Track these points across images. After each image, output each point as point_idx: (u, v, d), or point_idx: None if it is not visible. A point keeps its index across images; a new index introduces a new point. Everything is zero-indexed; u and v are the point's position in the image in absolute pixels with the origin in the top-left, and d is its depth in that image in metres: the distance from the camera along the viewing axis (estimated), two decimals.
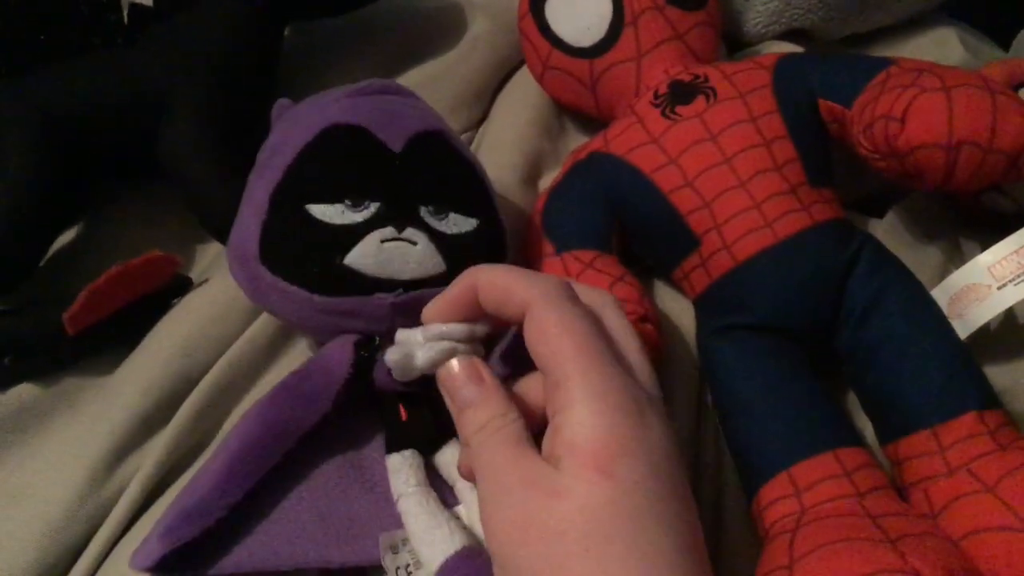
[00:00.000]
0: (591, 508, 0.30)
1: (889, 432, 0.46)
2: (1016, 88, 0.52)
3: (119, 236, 0.57)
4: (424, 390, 0.40)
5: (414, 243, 0.43)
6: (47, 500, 0.45)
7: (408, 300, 0.43)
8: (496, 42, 0.69)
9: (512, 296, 0.35)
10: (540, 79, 0.63)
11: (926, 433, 0.43)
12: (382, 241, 0.43)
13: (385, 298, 0.42)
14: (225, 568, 0.38)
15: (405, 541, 0.39)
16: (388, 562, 0.39)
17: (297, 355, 0.50)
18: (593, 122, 0.62)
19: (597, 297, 0.37)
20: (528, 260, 0.52)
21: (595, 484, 0.30)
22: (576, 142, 0.63)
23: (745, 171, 0.49)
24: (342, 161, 0.45)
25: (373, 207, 0.43)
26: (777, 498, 0.42)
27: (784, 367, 0.47)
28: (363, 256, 0.42)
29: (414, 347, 0.38)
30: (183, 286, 0.53)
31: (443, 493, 0.41)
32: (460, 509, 0.41)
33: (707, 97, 0.52)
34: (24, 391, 0.50)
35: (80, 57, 0.55)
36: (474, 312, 0.37)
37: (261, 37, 0.59)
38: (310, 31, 0.68)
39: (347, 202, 0.43)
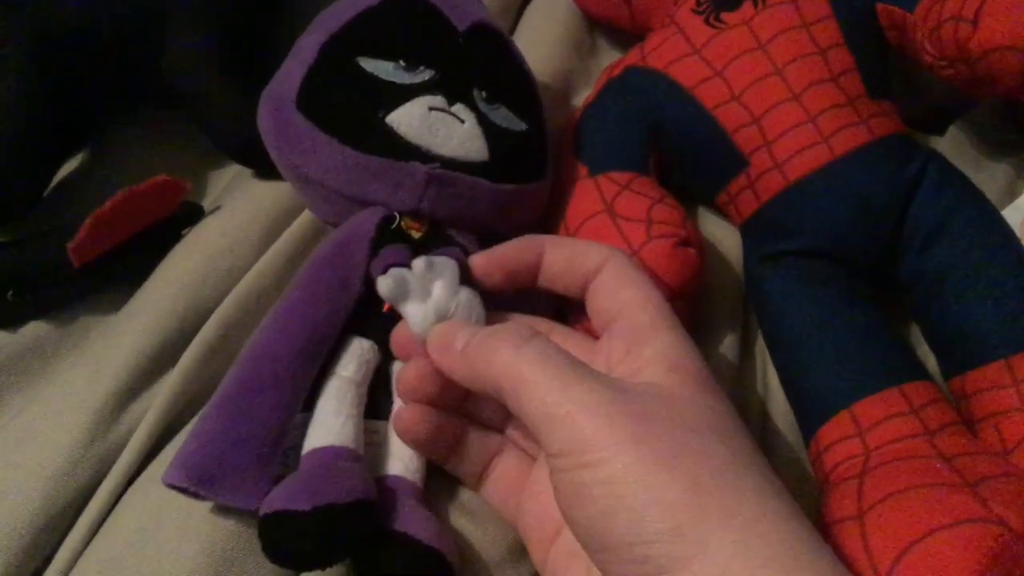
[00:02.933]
0: (709, 410, 0.31)
1: (956, 365, 0.43)
2: None
3: (126, 164, 0.54)
4: None
5: (461, 120, 0.42)
6: (52, 445, 0.42)
7: (444, 176, 0.41)
8: None
9: (588, 256, 0.36)
10: None
11: (998, 364, 0.40)
12: (429, 108, 0.41)
13: (419, 167, 0.41)
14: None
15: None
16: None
17: None
18: (627, 38, 0.59)
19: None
20: (559, 183, 0.49)
21: (703, 395, 0.31)
22: (609, 59, 0.59)
23: (798, 82, 0.45)
24: (403, 24, 0.44)
25: (427, 73, 0.42)
26: (838, 439, 0.39)
27: (841, 296, 0.43)
28: (407, 117, 0.41)
29: (415, 293, 0.37)
30: (194, 215, 0.50)
31: (380, 403, 0.40)
32: (383, 424, 0.39)
33: (755, 2, 0.48)
34: (28, 330, 0.47)
35: None
36: (521, 276, 0.38)
37: None
38: None
39: (401, 62, 0.42)
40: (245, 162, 0.52)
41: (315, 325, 0.38)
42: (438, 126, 0.41)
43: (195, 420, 0.37)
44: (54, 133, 0.50)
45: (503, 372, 0.32)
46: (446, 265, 0.37)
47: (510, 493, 0.38)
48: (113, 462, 0.42)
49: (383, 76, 0.42)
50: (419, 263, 0.37)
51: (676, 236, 0.43)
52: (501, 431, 0.40)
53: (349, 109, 0.41)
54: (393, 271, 0.37)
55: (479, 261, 0.38)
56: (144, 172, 0.49)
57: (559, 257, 0.37)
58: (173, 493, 0.37)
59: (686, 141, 0.49)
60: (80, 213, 0.45)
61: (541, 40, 0.61)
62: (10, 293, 0.46)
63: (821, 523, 0.36)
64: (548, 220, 0.48)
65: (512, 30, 0.64)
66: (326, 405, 0.38)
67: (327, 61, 0.42)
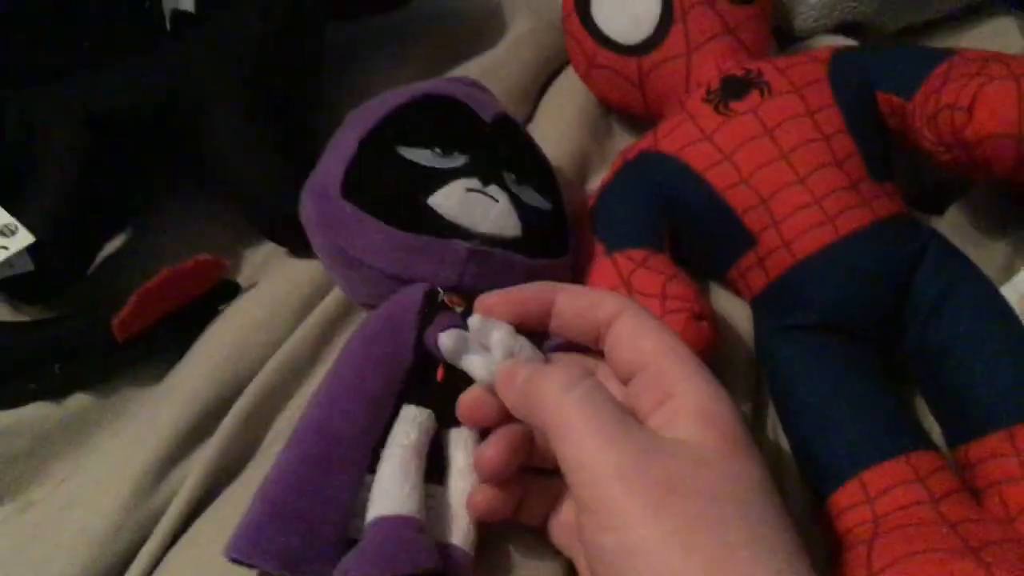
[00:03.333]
0: (741, 478, 0.31)
1: (960, 434, 0.44)
2: None
3: (166, 242, 0.56)
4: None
5: (495, 200, 0.44)
6: (94, 511, 0.44)
7: (483, 252, 0.43)
8: (540, 41, 0.68)
9: (603, 306, 0.37)
10: (586, 78, 0.61)
11: (1001, 434, 0.41)
12: (467, 190, 0.44)
13: (461, 244, 0.43)
14: None
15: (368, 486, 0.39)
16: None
17: None
18: (641, 123, 0.61)
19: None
20: (578, 261, 0.51)
21: (735, 457, 0.31)
22: (623, 143, 0.62)
23: (803, 167, 0.47)
24: (436, 116, 0.47)
25: (461, 159, 0.45)
26: (849, 505, 0.41)
27: (848, 367, 0.45)
28: (447, 198, 0.43)
29: (474, 349, 0.38)
30: (231, 291, 0.53)
31: (435, 468, 0.40)
32: (439, 489, 0.40)
33: (761, 92, 0.50)
34: (72, 401, 0.49)
35: (122, 59, 0.54)
36: (531, 320, 0.38)
37: (302, 35, 0.58)
38: (352, 32, 0.67)
39: (437, 150, 0.45)
40: (280, 240, 0.54)
41: (371, 399, 0.40)
42: (475, 205, 0.44)
43: (256, 495, 0.37)
44: (99, 210, 0.52)
45: (549, 412, 0.33)
46: (499, 323, 0.38)
47: (573, 533, 0.38)
48: (153, 528, 0.44)
49: (422, 162, 0.44)
50: (475, 318, 0.38)
51: (690, 311, 0.45)
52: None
53: (393, 193, 0.44)
54: (452, 329, 0.39)
55: (490, 300, 0.39)
56: (183, 249, 0.51)
57: (572, 305, 0.38)
58: (211, 558, 0.38)
59: (698, 221, 0.51)
60: (123, 289, 0.47)
61: (559, 124, 0.63)
62: (57, 366, 0.48)
63: None
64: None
65: (531, 116, 0.67)
66: (392, 473, 0.38)
67: (367, 152, 0.45)
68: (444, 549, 0.38)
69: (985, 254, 0.52)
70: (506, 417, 0.38)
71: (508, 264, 0.44)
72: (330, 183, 0.44)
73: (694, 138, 0.51)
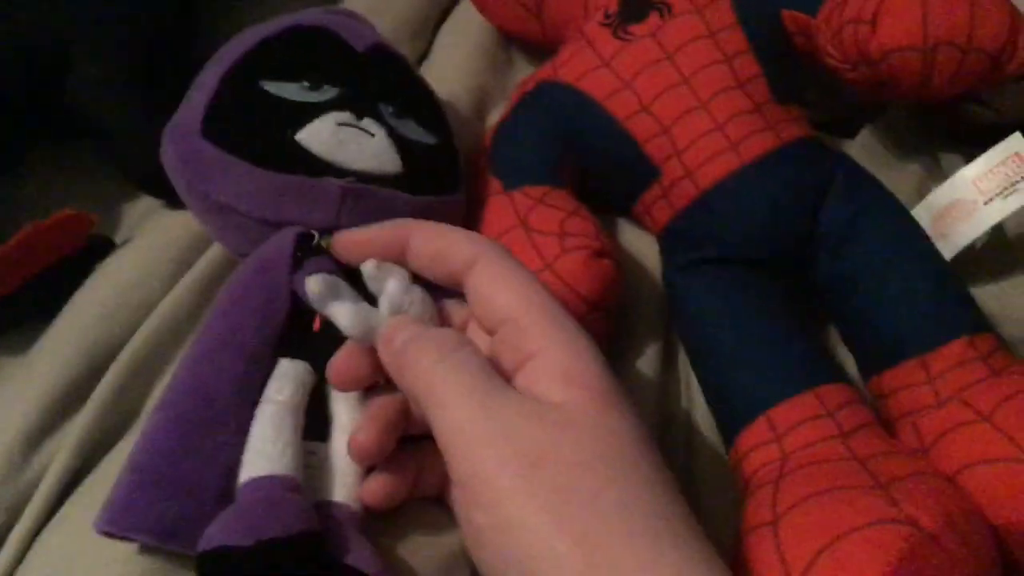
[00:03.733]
0: (610, 438, 0.29)
1: (873, 364, 0.43)
2: None
3: (33, 200, 0.53)
4: None
5: (371, 134, 0.42)
6: None
7: (359, 189, 0.41)
8: None
9: (455, 251, 0.35)
10: (482, 7, 0.59)
11: (913, 362, 0.41)
12: (338, 124, 0.41)
13: (334, 183, 0.40)
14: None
15: None
16: None
17: None
18: (541, 53, 0.58)
19: None
20: (474, 199, 0.48)
21: (603, 414, 0.30)
22: (524, 75, 0.59)
23: (705, 91, 0.45)
24: (303, 48, 0.44)
25: (332, 91, 0.43)
26: (756, 445, 0.39)
27: (757, 302, 0.43)
28: (317, 134, 0.41)
29: (346, 295, 0.36)
30: (105, 248, 0.49)
31: (317, 424, 0.38)
32: (322, 446, 0.37)
33: (661, 13, 0.48)
34: None
35: None
36: (392, 260, 0.36)
37: None
38: None
39: (304, 83, 0.42)
40: (153, 192, 0.51)
41: (247, 353, 0.37)
42: (349, 141, 0.41)
43: (125, 464, 0.35)
44: None
45: (420, 382, 0.31)
46: (396, 270, 0.37)
47: None
48: (25, 505, 0.41)
49: (288, 96, 0.42)
50: (369, 265, 0.36)
51: (590, 248, 0.43)
52: None
53: (257, 131, 0.41)
54: (318, 274, 0.36)
55: (343, 239, 0.38)
56: (53, 206, 0.48)
57: (426, 249, 0.36)
58: (86, 536, 0.36)
59: (599, 153, 0.49)
60: None
61: (456, 58, 0.61)
62: None
63: (740, 531, 0.36)
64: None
65: (426, 51, 0.64)
66: (263, 431, 0.36)
67: (230, 88, 0.42)
68: (326, 507, 0.36)
69: (898, 176, 0.51)
70: (381, 375, 0.36)
71: (388, 202, 0.41)
72: (190, 123, 0.41)
73: (593, 65, 0.49)
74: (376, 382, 0.37)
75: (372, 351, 0.36)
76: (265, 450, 0.35)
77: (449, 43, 0.63)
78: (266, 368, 0.38)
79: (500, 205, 0.47)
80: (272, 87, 0.42)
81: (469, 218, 0.47)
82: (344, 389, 0.37)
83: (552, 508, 0.27)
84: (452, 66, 0.60)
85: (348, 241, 0.38)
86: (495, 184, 0.48)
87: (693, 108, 0.45)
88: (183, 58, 0.54)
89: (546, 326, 0.32)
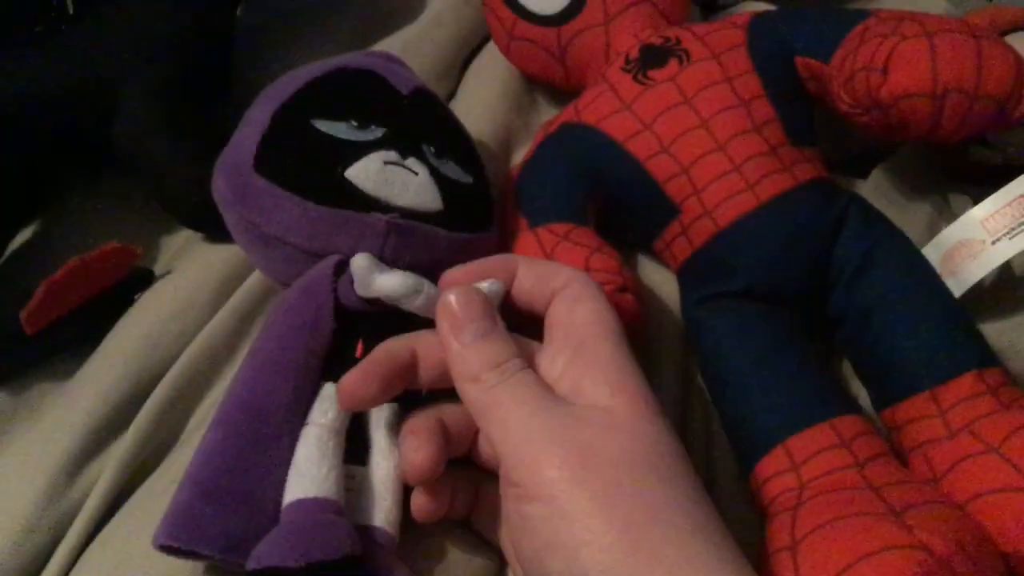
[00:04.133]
0: (651, 441, 0.32)
1: (886, 397, 0.44)
2: (1000, 35, 0.50)
3: (78, 232, 0.55)
4: (390, 333, 0.39)
5: (415, 172, 0.44)
6: (7, 510, 0.42)
7: (403, 225, 0.42)
8: (460, 16, 0.67)
9: (555, 276, 0.38)
10: (507, 52, 0.60)
11: (925, 395, 0.42)
12: (384, 163, 0.43)
13: (380, 218, 0.42)
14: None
15: None
16: None
17: None
18: (564, 95, 0.60)
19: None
20: (501, 237, 0.50)
21: (645, 420, 0.32)
22: (548, 116, 0.61)
23: (723, 133, 0.47)
24: (351, 89, 0.46)
25: (379, 131, 0.44)
26: (774, 474, 0.40)
27: (773, 335, 0.45)
28: (364, 171, 0.42)
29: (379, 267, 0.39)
30: (145, 279, 0.51)
31: (357, 448, 0.39)
32: (361, 469, 0.39)
33: (680, 60, 0.50)
34: None
35: (25, 46, 0.52)
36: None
37: (212, 13, 0.57)
38: (268, 11, 0.66)
39: (353, 122, 0.44)
40: (195, 226, 0.53)
41: (296, 372, 0.39)
42: (394, 178, 0.43)
43: (184, 480, 0.36)
44: (7, 203, 0.51)
45: (486, 397, 0.34)
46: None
47: (496, 517, 0.39)
48: (69, 525, 0.42)
49: (338, 135, 0.43)
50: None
51: (614, 283, 0.45)
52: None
53: (308, 166, 0.42)
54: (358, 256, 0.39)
55: (456, 274, 0.40)
56: (96, 238, 0.49)
57: (531, 274, 0.39)
58: (130, 552, 0.38)
59: (621, 192, 0.50)
60: (33, 281, 0.46)
61: (482, 99, 0.62)
62: None
63: (761, 555, 0.37)
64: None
65: (454, 92, 0.66)
66: (308, 454, 0.37)
67: (281, 125, 0.43)
68: (366, 531, 0.37)
69: (908, 215, 0.52)
70: (387, 394, 0.37)
71: (430, 238, 0.43)
72: (242, 158, 0.43)
73: (614, 108, 0.50)
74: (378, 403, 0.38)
75: (383, 374, 0.36)
76: (310, 472, 0.36)
77: (475, 84, 0.65)
78: (312, 389, 0.39)
79: (527, 241, 0.48)
80: (323, 125, 0.43)
81: (499, 253, 0.49)
82: (348, 407, 0.38)
83: (599, 498, 0.29)
84: (478, 107, 0.61)
85: (461, 275, 0.40)
86: (521, 221, 0.50)
87: (711, 150, 0.47)
88: (222, 98, 0.56)
89: (604, 335, 0.35)
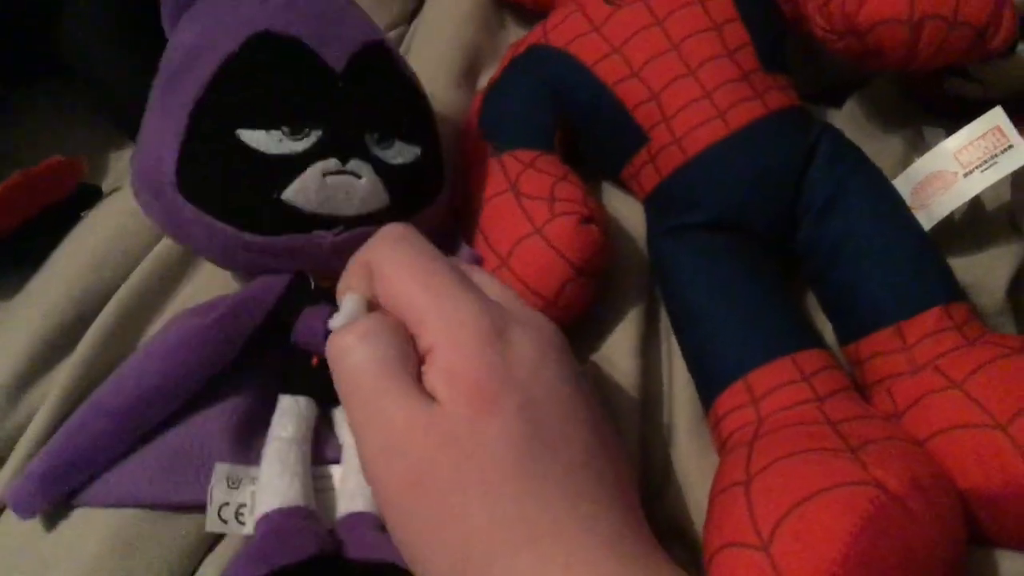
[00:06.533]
0: (484, 447, 0.29)
1: (850, 331, 0.43)
2: None
3: (21, 145, 0.53)
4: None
5: (359, 176, 0.39)
6: None
7: (349, 239, 0.39)
8: None
9: (356, 270, 0.35)
10: None
11: (890, 330, 0.41)
12: (324, 175, 0.38)
13: (325, 236, 0.39)
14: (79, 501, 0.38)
15: (253, 480, 0.38)
16: (217, 493, 0.37)
17: (213, 269, 0.46)
18: (535, 16, 0.58)
19: None
20: (466, 164, 0.49)
21: (480, 421, 0.29)
22: (517, 36, 0.59)
23: (694, 58, 0.46)
24: (278, 80, 0.40)
25: (315, 135, 0.39)
26: (733, 408, 0.40)
27: (739, 268, 0.44)
28: (303, 191, 0.38)
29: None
30: (92, 196, 0.50)
31: (327, 448, 0.40)
32: (338, 468, 0.39)
33: None
34: None
35: None
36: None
37: None
38: None
39: (285, 129, 0.38)
40: None
41: (172, 381, 0.39)
42: (337, 190, 0.39)
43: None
44: None
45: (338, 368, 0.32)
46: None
47: None
48: (13, 448, 0.41)
49: (270, 151, 0.38)
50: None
51: (579, 213, 0.43)
52: None
53: (241, 193, 0.39)
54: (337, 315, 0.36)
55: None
56: (40, 152, 0.48)
57: (357, 279, 0.35)
58: None
59: (588, 118, 0.49)
60: None
61: (450, 16, 0.61)
62: None
63: (714, 489, 0.37)
64: (455, 200, 0.48)
65: (418, 9, 0.64)
66: (270, 468, 0.38)
67: (202, 136, 0.39)
68: (351, 519, 0.38)
69: (882, 146, 0.52)
70: None
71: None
72: (163, 173, 0.39)
73: (583, 30, 0.49)
74: None
75: None
76: (272, 485, 0.37)
77: (442, 2, 0.63)
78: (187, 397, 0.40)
79: (491, 169, 0.47)
80: (250, 138, 0.38)
81: (461, 180, 0.48)
82: None
83: (427, 534, 0.29)
84: (444, 25, 0.60)
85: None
86: (486, 146, 0.48)
87: (682, 75, 0.45)
88: None
89: (437, 320, 0.31)
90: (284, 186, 0.38)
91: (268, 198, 0.38)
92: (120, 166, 0.53)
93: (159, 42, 0.44)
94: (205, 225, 0.39)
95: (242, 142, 0.38)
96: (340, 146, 0.39)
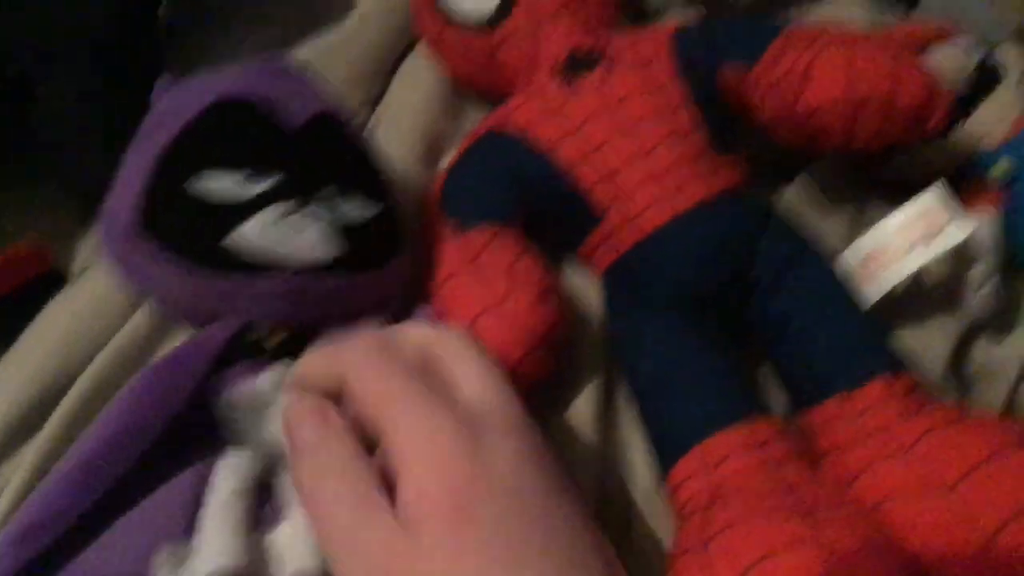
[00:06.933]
0: (461, 563, 0.29)
1: (802, 401, 0.45)
2: (918, 51, 0.52)
3: None
4: None
5: (314, 221, 0.40)
6: None
7: (297, 287, 0.40)
8: (388, 18, 0.66)
9: (335, 380, 0.34)
10: (435, 55, 0.60)
11: (837, 399, 0.43)
12: (281, 216, 0.39)
13: (276, 282, 0.39)
14: None
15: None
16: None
17: None
18: (495, 99, 0.60)
19: (428, 333, 0.36)
20: (427, 241, 0.50)
21: (455, 537, 0.29)
22: (476, 120, 0.61)
23: (648, 141, 0.48)
24: (244, 131, 0.41)
25: (275, 178, 0.40)
26: (689, 475, 0.41)
27: (693, 340, 0.45)
28: (259, 229, 0.39)
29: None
30: (56, 282, 0.50)
31: (267, 516, 0.38)
32: (283, 527, 0.37)
33: (607, 67, 0.50)
34: None
35: None
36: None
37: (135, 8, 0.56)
38: (193, 8, 0.65)
39: (247, 171, 0.40)
40: None
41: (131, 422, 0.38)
42: (290, 234, 0.40)
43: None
44: None
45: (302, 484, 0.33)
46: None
47: None
48: None
49: (228, 192, 0.39)
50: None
51: (538, 287, 0.44)
52: None
53: (196, 230, 0.39)
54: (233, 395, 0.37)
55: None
56: (10, 237, 0.48)
57: (318, 386, 0.35)
58: None
59: (547, 197, 0.50)
60: None
61: (412, 101, 0.62)
62: None
63: (673, 554, 0.38)
64: (417, 278, 0.48)
65: (381, 96, 0.65)
66: (210, 528, 0.36)
67: (163, 179, 0.40)
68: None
69: (829, 221, 0.54)
70: None
71: (331, 289, 0.41)
72: (123, 216, 0.40)
73: (541, 113, 0.50)
74: None
75: None
76: (214, 544, 0.35)
77: (405, 87, 0.64)
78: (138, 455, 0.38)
79: (451, 246, 0.48)
80: (212, 178, 0.40)
81: (422, 260, 0.49)
82: None
83: None
84: (406, 110, 0.61)
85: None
86: (446, 225, 0.49)
87: (636, 156, 0.47)
88: (145, 83, 0.55)
89: (402, 441, 0.31)
90: (240, 223, 0.39)
91: (224, 234, 0.39)
92: (86, 250, 0.54)
93: (128, 116, 0.45)
94: (160, 264, 0.39)
95: (204, 183, 0.39)
96: (300, 190, 0.40)
